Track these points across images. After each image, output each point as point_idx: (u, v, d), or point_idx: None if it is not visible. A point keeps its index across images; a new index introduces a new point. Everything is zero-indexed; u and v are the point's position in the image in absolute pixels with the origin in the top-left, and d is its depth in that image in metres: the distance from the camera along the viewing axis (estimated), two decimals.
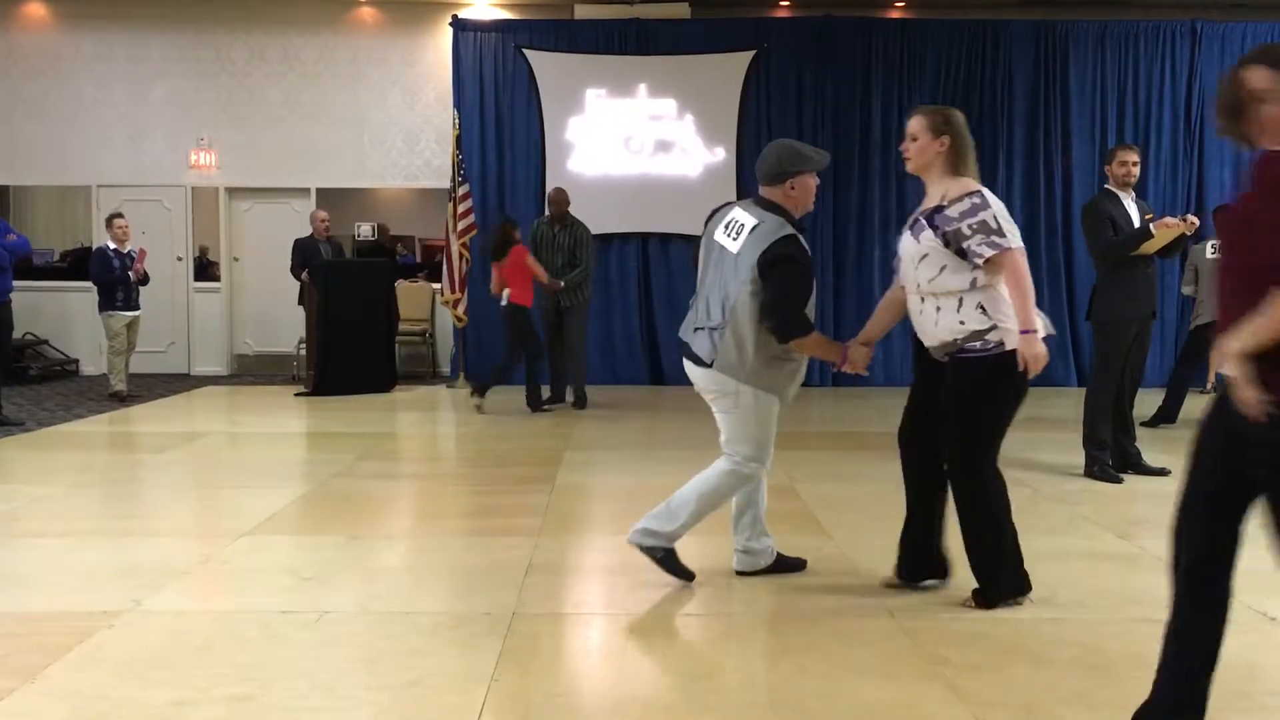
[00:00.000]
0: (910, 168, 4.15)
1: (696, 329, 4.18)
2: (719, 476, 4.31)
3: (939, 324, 3.94)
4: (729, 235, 4.10)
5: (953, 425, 3.95)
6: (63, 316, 12.51)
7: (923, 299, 3.98)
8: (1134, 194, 6.50)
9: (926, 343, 4.05)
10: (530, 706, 3.13)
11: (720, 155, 11.95)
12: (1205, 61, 11.98)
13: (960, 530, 4.01)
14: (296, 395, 10.55)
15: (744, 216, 4.09)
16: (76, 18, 12.41)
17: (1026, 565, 4.09)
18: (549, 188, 10.48)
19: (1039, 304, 10.46)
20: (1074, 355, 11.89)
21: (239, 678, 3.29)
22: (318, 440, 8.27)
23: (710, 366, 4.14)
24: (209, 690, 3.20)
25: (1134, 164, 6.43)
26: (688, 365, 4.27)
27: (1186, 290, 8.70)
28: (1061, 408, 9.72)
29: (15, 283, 8.82)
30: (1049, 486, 6.31)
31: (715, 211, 4.33)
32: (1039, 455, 7.29)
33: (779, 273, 3.96)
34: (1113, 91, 12.01)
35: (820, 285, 11.79)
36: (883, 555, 4.74)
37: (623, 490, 6.40)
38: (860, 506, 5.81)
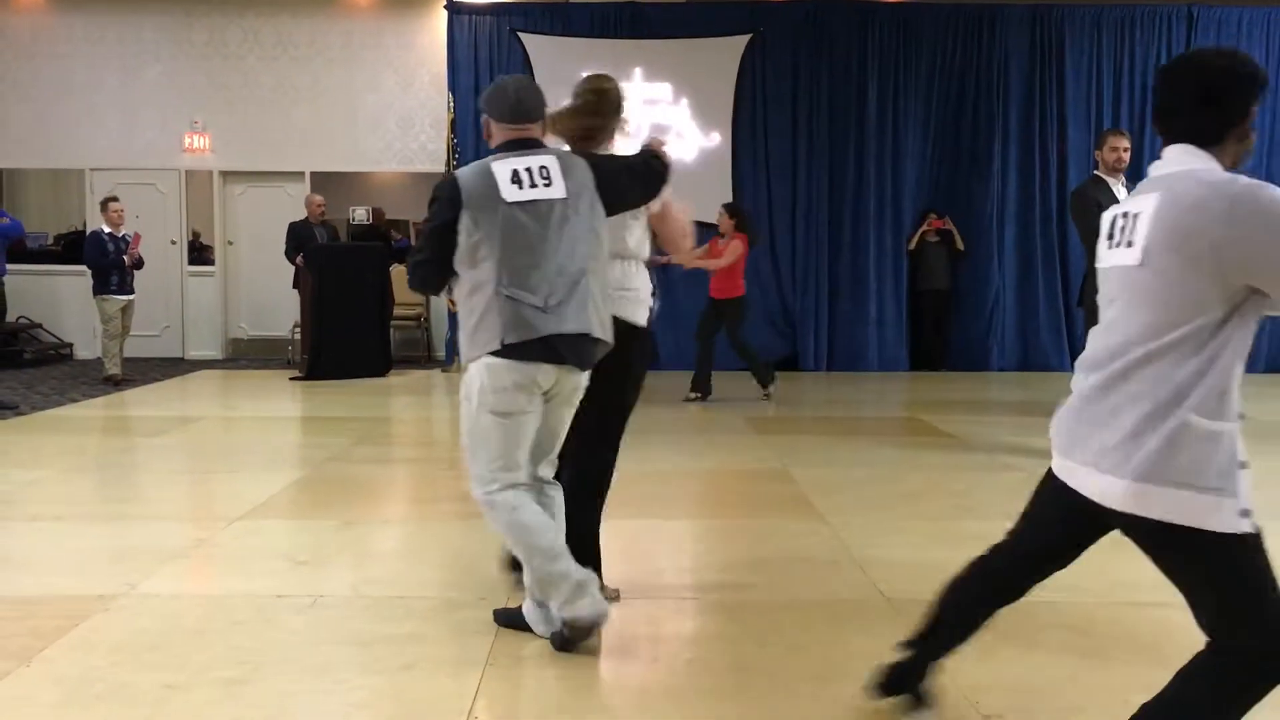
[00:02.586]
0: None
1: (582, 310, 3.35)
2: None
3: None
4: (539, 184, 3.36)
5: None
6: (56, 300, 12.49)
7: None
8: (1125, 179, 6.49)
9: None
10: (524, 691, 3.14)
11: (716, 140, 11.93)
12: (1201, 46, 11.97)
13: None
14: (291, 379, 10.54)
15: (538, 159, 3.40)
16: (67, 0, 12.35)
17: None
18: None
19: (1034, 290, 10.36)
20: (1068, 340, 11.89)
21: (233, 661, 3.30)
22: (312, 425, 8.27)
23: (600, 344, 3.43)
24: (203, 673, 3.21)
25: (1125, 150, 6.43)
26: (562, 373, 3.37)
27: None
28: (1055, 392, 9.71)
29: (9, 266, 8.81)
30: (1042, 470, 6.31)
31: (453, 180, 3.37)
32: (1032, 439, 7.30)
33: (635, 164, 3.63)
34: (1108, 76, 12.00)
35: (815, 267, 11.92)
36: (876, 538, 4.76)
37: (618, 475, 6.39)
38: (853, 490, 5.82)
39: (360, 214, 14.09)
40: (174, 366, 11.85)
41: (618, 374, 3.64)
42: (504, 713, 3.03)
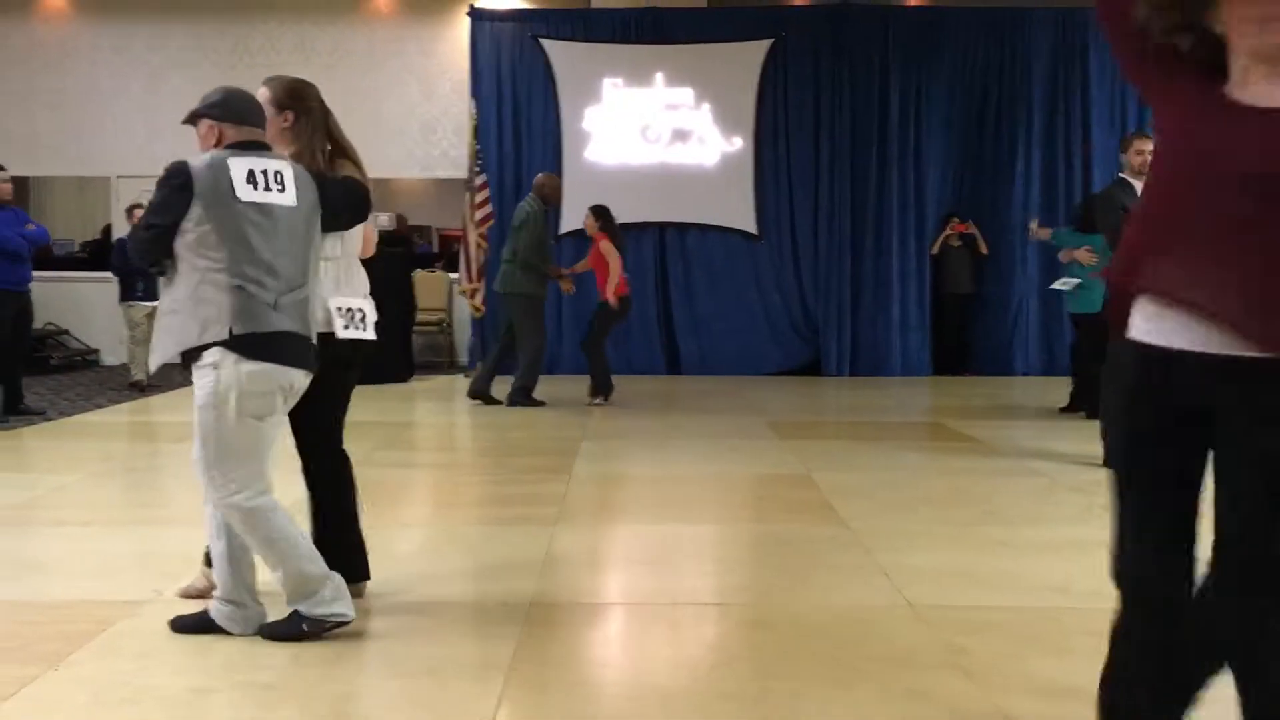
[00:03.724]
0: None
1: (302, 316, 3.51)
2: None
3: None
4: (273, 189, 3.44)
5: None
6: (83, 307, 12.58)
7: None
8: None
9: None
10: (548, 695, 3.14)
11: (738, 144, 11.93)
12: None
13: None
14: None
15: (273, 164, 3.49)
16: (94, 8, 12.46)
17: (1047, 554, 4.07)
18: (548, 176, 9.88)
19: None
20: None
21: (257, 665, 3.31)
22: None
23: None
24: (228, 677, 3.22)
25: (1150, 152, 6.38)
26: (296, 375, 3.49)
27: None
28: None
29: (36, 273, 8.87)
30: (1067, 476, 6.28)
31: (185, 170, 3.40)
32: (1057, 445, 7.27)
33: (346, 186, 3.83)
34: None
35: (838, 271, 11.89)
36: (899, 544, 4.74)
37: (640, 480, 6.41)
38: (876, 494, 5.80)
39: (383, 220, 14.12)
40: None
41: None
42: (527, 717, 3.03)
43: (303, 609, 3.47)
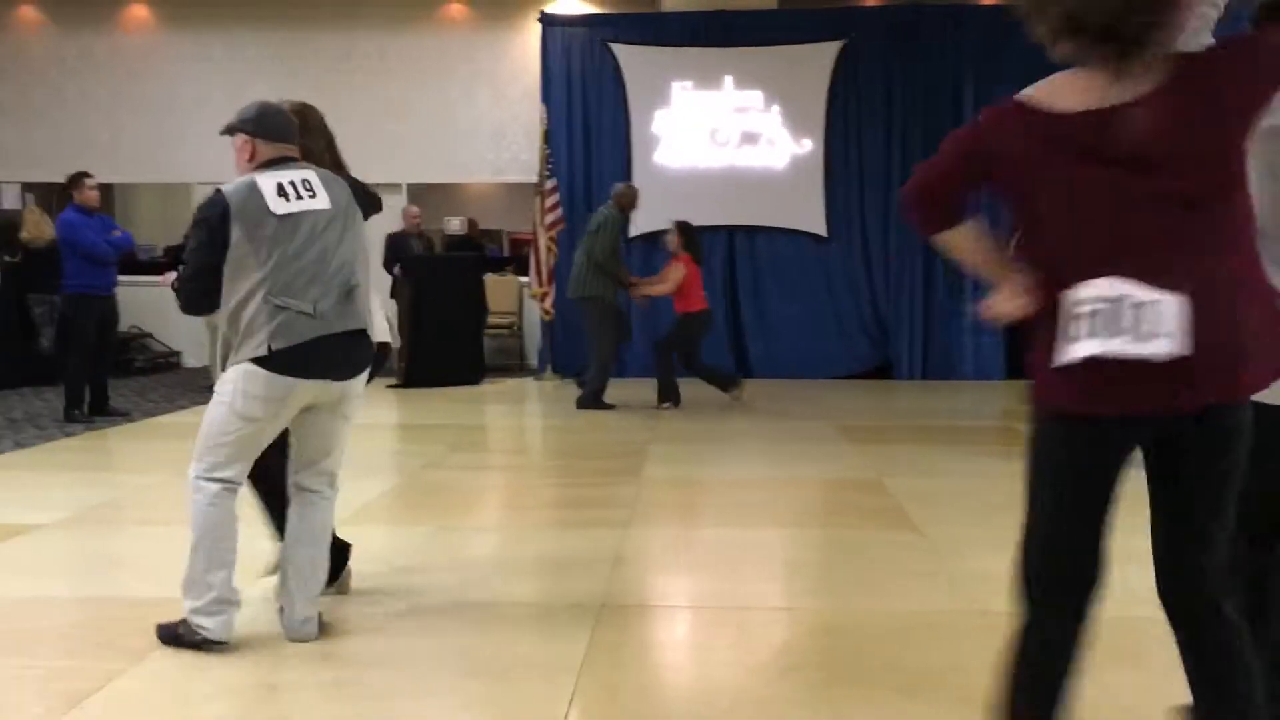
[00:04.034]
0: None
1: (352, 312, 3.56)
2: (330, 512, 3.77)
3: None
4: (304, 196, 3.51)
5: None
6: (165, 310, 12.79)
7: None
8: None
9: None
10: (619, 697, 3.15)
11: (808, 147, 11.85)
12: None
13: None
14: (388, 387, 10.73)
15: (300, 173, 3.57)
16: (176, 19, 12.76)
17: (1123, 562, 3.97)
18: (627, 186, 9.96)
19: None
20: None
21: (333, 664, 3.38)
22: (409, 432, 8.41)
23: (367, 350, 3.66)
24: (306, 675, 3.29)
25: None
26: (321, 387, 3.51)
27: None
28: None
29: (120, 278, 9.10)
30: (1142, 483, 6.14)
31: (221, 199, 3.46)
32: None
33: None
34: None
35: (909, 273, 11.77)
36: (973, 550, 4.69)
37: (710, 484, 6.41)
38: (951, 501, 5.73)
39: (455, 224, 14.28)
40: None
41: None
42: (598, 718, 3.05)
43: (185, 609, 3.49)
